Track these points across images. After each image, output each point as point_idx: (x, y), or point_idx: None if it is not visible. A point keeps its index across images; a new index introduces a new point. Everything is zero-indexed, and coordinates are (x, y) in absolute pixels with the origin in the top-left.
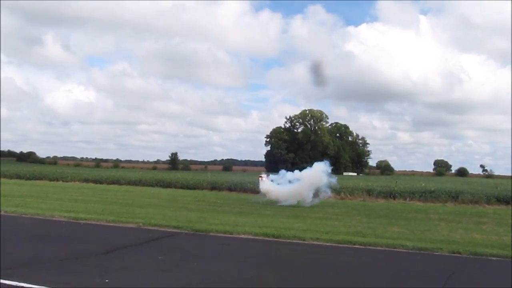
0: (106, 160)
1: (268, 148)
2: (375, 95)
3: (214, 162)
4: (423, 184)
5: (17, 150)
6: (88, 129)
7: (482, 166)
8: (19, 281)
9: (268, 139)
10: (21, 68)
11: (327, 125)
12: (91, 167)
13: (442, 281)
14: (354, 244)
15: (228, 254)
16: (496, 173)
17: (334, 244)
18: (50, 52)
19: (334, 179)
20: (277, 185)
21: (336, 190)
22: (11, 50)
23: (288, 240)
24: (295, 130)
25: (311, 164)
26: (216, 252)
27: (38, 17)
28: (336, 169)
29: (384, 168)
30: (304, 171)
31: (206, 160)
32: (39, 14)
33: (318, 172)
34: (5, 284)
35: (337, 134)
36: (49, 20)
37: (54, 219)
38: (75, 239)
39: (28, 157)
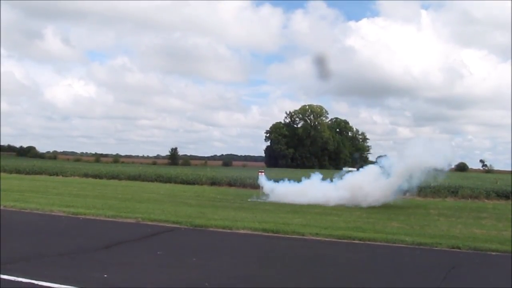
0: (106, 155)
1: (268, 143)
2: (375, 90)
3: (214, 157)
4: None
5: (17, 145)
6: (88, 124)
7: (482, 161)
8: (18, 276)
9: (268, 135)
10: (21, 62)
11: (327, 120)
12: (91, 162)
13: (441, 276)
14: (354, 239)
15: (227, 249)
16: (496, 168)
17: (333, 239)
18: (50, 46)
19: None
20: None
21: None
22: (11, 44)
23: (287, 236)
24: (295, 126)
25: (310, 160)
26: (215, 247)
27: (38, 11)
28: (336, 165)
29: None
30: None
31: (206, 155)
32: (39, 7)
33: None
34: (4, 279)
35: (337, 130)
36: (49, 13)
37: (53, 214)
38: (74, 234)
39: (28, 152)
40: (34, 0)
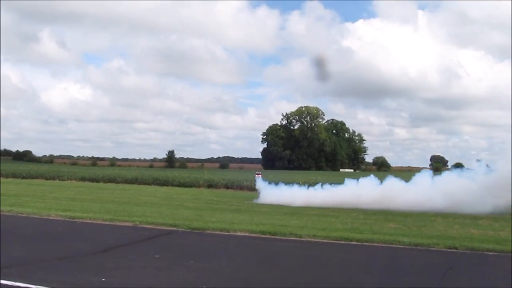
0: (103, 159)
1: (265, 145)
2: (372, 91)
3: (210, 160)
4: None
5: (13, 149)
6: (84, 127)
7: (478, 161)
8: (16, 281)
9: (264, 136)
10: (17, 65)
11: (324, 121)
12: (88, 165)
13: (439, 277)
14: (351, 241)
15: (224, 251)
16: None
17: (331, 241)
18: (46, 49)
19: None
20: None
21: None
22: (7, 47)
23: (285, 238)
24: (292, 127)
25: (307, 162)
26: (213, 250)
27: (33, 14)
28: (333, 166)
29: (381, 164)
30: None
31: (202, 157)
32: (34, 10)
33: None
34: (2, 283)
35: (334, 131)
36: (45, 16)
37: (50, 218)
38: (72, 238)
39: (24, 156)
40: (29, 0)
